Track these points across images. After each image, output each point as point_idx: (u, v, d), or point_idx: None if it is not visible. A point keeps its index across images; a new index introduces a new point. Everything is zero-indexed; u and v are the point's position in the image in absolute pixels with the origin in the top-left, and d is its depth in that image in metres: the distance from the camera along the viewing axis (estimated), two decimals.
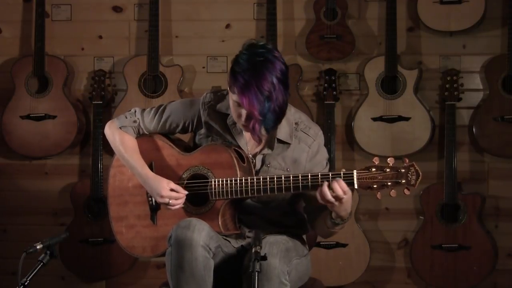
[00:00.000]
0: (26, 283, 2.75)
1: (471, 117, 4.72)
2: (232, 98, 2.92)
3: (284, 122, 3.03)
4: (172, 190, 3.05)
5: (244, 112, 2.90)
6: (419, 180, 2.83)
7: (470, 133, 4.71)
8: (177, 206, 3.06)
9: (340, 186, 2.82)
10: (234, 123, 3.08)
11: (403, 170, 2.83)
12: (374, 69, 4.71)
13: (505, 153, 4.63)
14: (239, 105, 2.90)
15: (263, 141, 3.07)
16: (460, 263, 4.58)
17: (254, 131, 2.91)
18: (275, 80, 2.85)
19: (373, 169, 2.84)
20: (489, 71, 4.65)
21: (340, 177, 2.84)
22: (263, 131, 2.96)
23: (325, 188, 2.83)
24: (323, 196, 2.84)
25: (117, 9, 5.00)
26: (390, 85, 4.70)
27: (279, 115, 2.92)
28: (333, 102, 4.71)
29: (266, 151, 3.07)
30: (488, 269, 4.60)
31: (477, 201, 4.60)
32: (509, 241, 4.73)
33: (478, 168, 4.74)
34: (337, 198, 2.83)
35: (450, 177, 4.56)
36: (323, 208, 2.97)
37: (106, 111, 4.87)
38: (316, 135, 3.11)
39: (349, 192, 2.85)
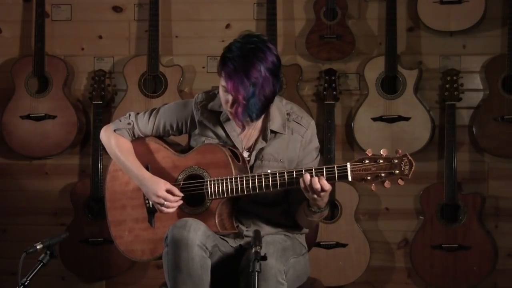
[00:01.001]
0: (26, 283, 2.76)
1: (471, 117, 4.72)
2: (221, 83, 2.96)
3: (276, 113, 3.06)
4: (168, 190, 3.05)
5: (230, 98, 2.93)
6: (412, 169, 2.83)
7: (470, 133, 4.70)
8: (171, 209, 3.06)
9: (321, 183, 2.84)
10: (227, 120, 3.09)
11: (396, 161, 2.83)
12: (374, 69, 4.70)
13: (505, 153, 4.62)
14: (226, 90, 2.93)
15: (256, 134, 3.08)
16: (460, 263, 4.57)
17: (237, 116, 2.94)
18: (263, 69, 2.88)
19: (367, 161, 2.85)
20: (489, 71, 4.65)
21: (334, 170, 2.85)
22: (247, 118, 2.97)
23: (316, 182, 2.85)
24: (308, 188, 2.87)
25: (117, 9, 5.00)
26: (390, 85, 4.70)
27: (264, 104, 2.94)
28: (333, 102, 4.71)
29: (260, 144, 3.08)
30: (488, 269, 4.59)
31: (477, 201, 4.60)
32: (509, 241, 4.72)
33: (478, 168, 4.74)
34: (316, 192, 2.87)
35: (450, 177, 4.55)
36: (304, 199, 2.98)
37: (106, 111, 4.87)
38: (309, 124, 3.13)
39: (329, 189, 2.87)
